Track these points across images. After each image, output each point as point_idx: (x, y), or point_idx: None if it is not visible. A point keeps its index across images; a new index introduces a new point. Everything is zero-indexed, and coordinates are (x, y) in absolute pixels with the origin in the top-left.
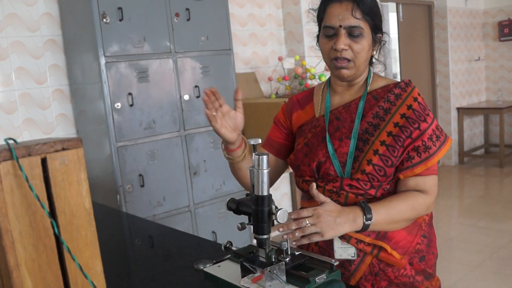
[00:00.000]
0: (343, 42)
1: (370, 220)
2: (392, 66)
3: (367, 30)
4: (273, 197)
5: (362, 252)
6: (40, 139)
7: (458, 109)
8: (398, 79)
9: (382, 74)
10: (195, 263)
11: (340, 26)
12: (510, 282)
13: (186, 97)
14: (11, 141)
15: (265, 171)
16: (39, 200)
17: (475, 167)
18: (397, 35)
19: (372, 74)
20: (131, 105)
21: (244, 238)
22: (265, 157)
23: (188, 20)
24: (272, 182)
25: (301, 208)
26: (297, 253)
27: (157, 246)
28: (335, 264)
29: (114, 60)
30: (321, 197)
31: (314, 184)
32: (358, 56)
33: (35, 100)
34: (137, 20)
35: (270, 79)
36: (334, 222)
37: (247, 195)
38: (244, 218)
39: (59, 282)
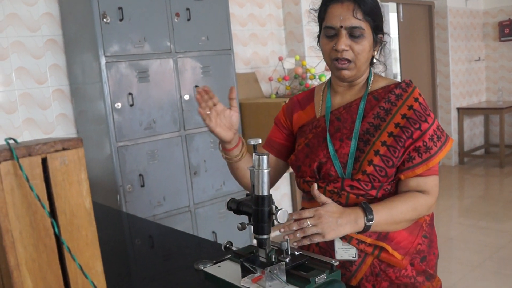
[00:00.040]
0: (344, 42)
1: (372, 221)
2: (392, 66)
3: (368, 31)
4: (273, 197)
5: (363, 253)
6: (41, 139)
7: (458, 109)
8: (399, 79)
9: (383, 75)
10: (195, 263)
11: (341, 26)
12: (510, 282)
13: (186, 97)
14: (11, 141)
15: (266, 171)
16: (39, 200)
17: (475, 167)
18: (397, 35)
19: (373, 75)
20: (131, 105)
21: (244, 238)
22: (265, 157)
23: (188, 20)
24: (273, 183)
25: (302, 208)
26: (297, 253)
27: (157, 246)
28: (335, 264)
29: (115, 60)
30: (323, 198)
31: (316, 185)
32: (359, 57)
33: (36, 100)
34: (137, 20)
35: (270, 79)
36: (336, 223)
37: (247, 195)
38: (244, 218)
39: (59, 282)
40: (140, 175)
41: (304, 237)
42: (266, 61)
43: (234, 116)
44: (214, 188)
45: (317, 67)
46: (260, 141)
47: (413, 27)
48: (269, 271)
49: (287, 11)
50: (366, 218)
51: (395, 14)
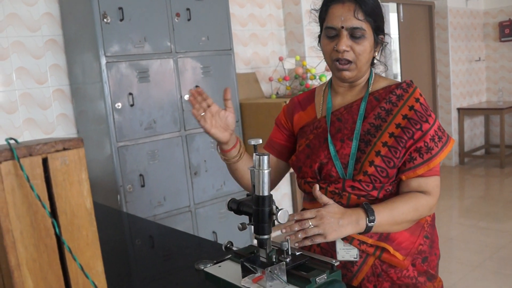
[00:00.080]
0: (345, 43)
1: (373, 222)
2: (392, 67)
3: (369, 32)
4: (273, 198)
5: (365, 253)
6: (41, 139)
7: (459, 109)
8: (399, 80)
9: (383, 75)
10: (196, 263)
11: (342, 27)
12: (510, 282)
13: (186, 97)
14: (12, 141)
15: (266, 172)
16: (40, 200)
17: (476, 168)
18: (397, 36)
19: (373, 75)
20: (132, 105)
21: (244, 238)
22: (265, 157)
23: (188, 20)
24: (274, 184)
25: (303, 209)
26: (297, 253)
27: (157, 246)
28: (335, 264)
29: (115, 60)
30: (324, 198)
31: (317, 186)
32: (360, 58)
33: (36, 100)
34: (137, 20)
35: (270, 79)
36: (337, 224)
37: (247, 195)
38: (245, 218)
39: (60, 282)
40: (141, 175)
41: (305, 238)
42: (266, 61)
43: (229, 116)
44: (214, 188)
45: (317, 67)
46: (260, 141)
47: (414, 27)
48: (270, 271)
49: (287, 11)
50: (367, 219)
51: (395, 14)
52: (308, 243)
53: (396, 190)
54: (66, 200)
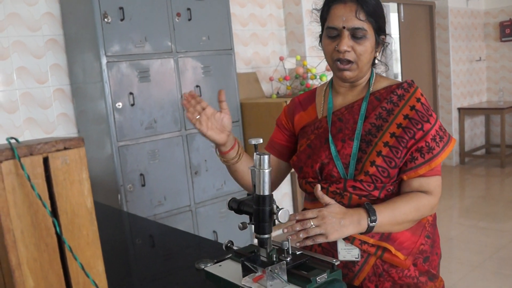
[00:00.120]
0: (346, 43)
1: (375, 222)
2: (393, 67)
3: (370, 32)
4: (274, 197)
5: (366, 253)
6: (42, 138)
7: (459, 109)
8: (399, 80)
9: (384, 75)
10: (196, 262)
11: (344, 27)
12: (510, 282)
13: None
14: (13, 141)
15: (267, 171)
16: (41, 199)
17: (476, 168)
18: (398, 36)
19: (374, 75)
20: (132, 105)
21: (245, 238)
22: (266, 156)
23: (189, 20)
24: (276, 185)
25: (304, 209)
26: (298, 253)
27: (158, 246)
28: (336, 263)
29: (115, 59)
30: (326, 198)
31: (319, 186)
32: (361, 58)
33: (36, 99)
34: (138, 19)
35: (271, 79)
36: (339, 224)
37: (248, 194)
38: (245, 218)
39: (60, 281)
40: (141, 174)
41: (307, 238)
42: (267, 61)
43: (225, 118)
44: (215, 187)
45: (318, 67)
46: (261, 140)
47: (414, 27)
48: (270, 270)
49: (288, 11)
50: (369, 219)
51: (396, 14)
52: (309, 243)
53: (398, 190)
54: (66, 200)
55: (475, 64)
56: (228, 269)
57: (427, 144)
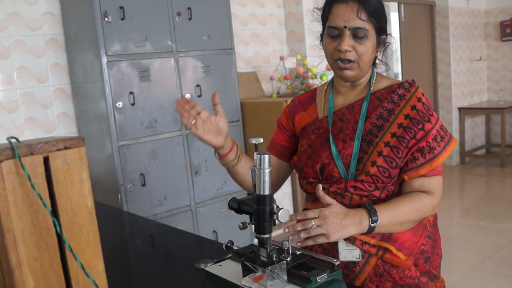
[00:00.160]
0: (347, 43)
1: (376, 223)
2: (393, 66)
3: (371, 32)
4: (274, 197)
5: (367, 254)
6: (42, 138)
7: (460, 109)
8: (400, 79)
9: (385, 74)
10: (196, 262)
11: (345, 27)
12: (510, 282)
13: (187, 96)
14: (13, 140)
15: (267, 171)
16: (41, 198)
17: (476, 167)
18: (398, 35)
19: (375, 75)
20: (133, 104)
21: (245, 238)
22: (266, 156)
23: (190, 19)
24: (277, 186)
25: (305, 209)
26: (298, 253)
27: (158, 245)
28: (336, 263)
29: (116, 59)
30: (327, 198)
31: (320, 186)
32: (362, 58)
33: (37, 99)
34: (138, 19)
35: (271, 79)
36: (340, 224)
37: (248, 194)
38: (246, 218)
39: (60, 281)
40: (141, 174)
41: (308, 238)
42: (267, 61)
43: (221, 121)
44: (215, 187)
45: (318, 66)
46: (261, 140)
47: (415, 27)
48: (270, 270)
49: (288, 11)
50: (370, 219)
51: (397, 13)
52: (310, 243)
53: (399, 190)
54: (67, 199)
55: (476, 63)
56: (228, 269)
57: (428, 144)
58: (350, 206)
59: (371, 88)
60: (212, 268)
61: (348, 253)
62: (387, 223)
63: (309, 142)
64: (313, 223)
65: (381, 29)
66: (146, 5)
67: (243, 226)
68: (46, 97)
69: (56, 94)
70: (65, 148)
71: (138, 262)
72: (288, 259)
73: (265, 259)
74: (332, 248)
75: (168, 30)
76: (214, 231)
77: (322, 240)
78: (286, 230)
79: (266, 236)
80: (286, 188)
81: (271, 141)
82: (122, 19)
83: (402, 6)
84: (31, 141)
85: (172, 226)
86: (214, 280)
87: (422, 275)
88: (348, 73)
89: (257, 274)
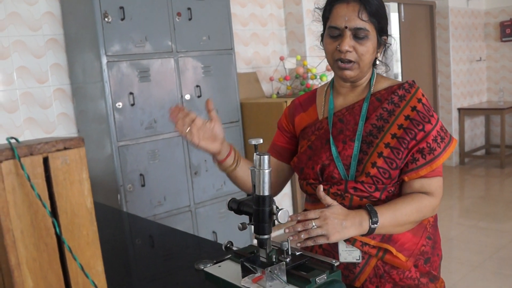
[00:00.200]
0: (348, 43)
1: (376, 224)
2: (393, 66)
3: (372, 33)
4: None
5: (367, 255)
6: (42, 138)
7: (459, 109)
8: (400, 79)
9: (385, 75)
10: (196, 263)
11: (346, 27)
12: (510, 282)
13: (187, 96)
14: (13, 140)
15: (266, 171)
16: (40, 199)
17: (476, 168)
18: (398, 35)
19: (375, 75)
20: (132, 105)
21: (244, 238)
22: (266, 157)
23: (189, 19)
24: (279, 188)
25: (305, 210)
26: (297, 253)
27: (157, 246)
28: (335, 264)
29: (116, 59)
30: (328, 199)
31: (321, 186)
32: (363, 58)
33: (37, 99)
34: (138, 19)
35: (271, 79)
36: (341, 225)
37: (248, 195)
38: (245, 218)
39: (60, 282)
40: (141, 174)
41: (308, 238)
42: (267, 61)
43: (216, 127)
44: (214, 188)
45: (318, 67)
46: (261, 141)
47: (414, 27)
48: (270, 271)
49: (288, 11)
50: (370, 220)
51: (396, 14)
52: (310, 243)
53: (399, 191)
54: (66, 200)
55: (475, 64)
56: (227, 270)
57: (428, 145)
58: (350, 207)
59: (371, 89)
60: (212, 268)
61: (348, 254)
62: (387, 224)
63: (309, 143)
64: (314, 224)
65: (382, 29)
66: (146, 5)
67: (243, 227)
68: (46, 98)
69: (56, 95)
70: (65, 148)
71: (137, 263)
72: (288, 259)
73: (264, 260)
74: (332, 249)
75: (168, 31)
76: (213, 232)
77: (322, 241)
78: (287, 231)
79: (266, 236)
80: (285, 189)
81: (272, 144)
82: (122, 19)
83: (402, 6)
84: (30, 142)
85: (171, 227)
86: (214, 280)
87: (422, 276)
88: (348, 73)
89: (256, 275)
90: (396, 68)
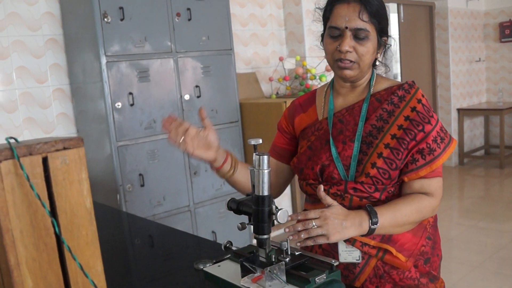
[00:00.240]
0: (348, 44)
1: (376, 224)
2: (393, 67)
3: (373, 33)
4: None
5: (367, 255)
6: (41, 138)
7: (459, 110)
8: (399, 80)
9: (384, 75)
10: (195, 262)
11: (346, 27)
12: (510, 282)
13: (186, 97)
14: (12, 140)
15: (266, 171)
16: (40, 199)
17: (475, 168)
18: (398, 36)
19: (375, 76)
20: (132, 105)
21: (244, 238)
22: (265, 157)
23: (189, 20)
24: (281, 189)
25: (305, 210)
26: (297, 253)
27: (157, 246)
28: (335, 264)
29: (115, 59)
30: (328, 199)
31: (322, 186)
32: (363, 59)
33: (36, 99)
34: (138, 19)
35: (270, 79)
36: (341, 226)
37: (247, 195)
38: (244, 218)
39: (59, 282)
40: (140, 174)
41: (308, 238)
42: (266, 61)
43: (210, 135)
44: (214, 187)
45: (317, 67)
46: (260, 141)
47: (414, 28)
48: (269, 271)
49: (288, 12)
50: (370, 221)
51: (396, 14)
52: (310, 243)
53: (398, 192)
54: (66, 200)
55: (475, 64)
56: (227, 270)
57: (428, 145)
58: (350, 207)
59: (371, 90)
60: (211, 268)
61: (348, 255)
62: (387, 225)
63: (309, 143)
64: (314, 224)
65: (382, 30)
66: (145, 6)
67: (242, 227)
68: (45, 98)
69: (55, 95)
70: (64, 148)
71: (137, 263)
72: (287, 259)
73: (264, 260)
74: (332, 250)
75: (167, 31)
76: (213, 232)
77: (322, 241)
78: (287, 230)
79: (265, 236)
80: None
81: (273, 145)
82: (122, 20)
83: (401, 7)
84: (30, 142)
85: (171, 227)
86: (213, 280)
87: (422, 276)
88: (348, 73)
89: (256, 275)
90: (396, 68)
